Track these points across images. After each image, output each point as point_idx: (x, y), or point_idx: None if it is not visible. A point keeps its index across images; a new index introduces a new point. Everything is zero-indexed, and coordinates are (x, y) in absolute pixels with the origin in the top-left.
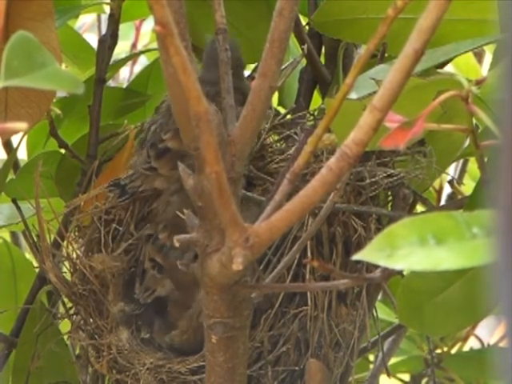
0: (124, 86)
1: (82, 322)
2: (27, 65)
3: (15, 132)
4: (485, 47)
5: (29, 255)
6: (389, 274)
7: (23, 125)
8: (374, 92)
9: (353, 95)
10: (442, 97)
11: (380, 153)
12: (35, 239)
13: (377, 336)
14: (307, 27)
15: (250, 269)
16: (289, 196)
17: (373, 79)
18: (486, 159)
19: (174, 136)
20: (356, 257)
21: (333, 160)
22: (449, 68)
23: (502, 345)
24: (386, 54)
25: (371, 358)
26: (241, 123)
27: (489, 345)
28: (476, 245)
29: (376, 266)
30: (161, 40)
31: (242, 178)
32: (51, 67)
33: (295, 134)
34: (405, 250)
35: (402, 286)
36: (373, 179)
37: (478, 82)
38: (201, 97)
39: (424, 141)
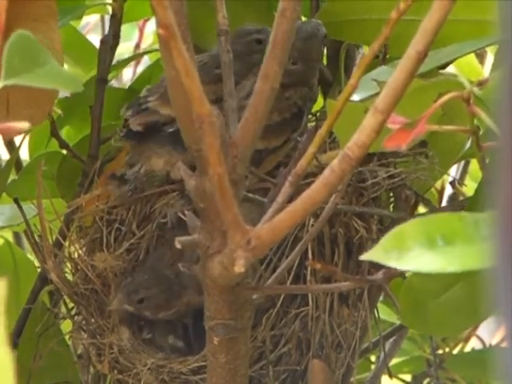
0: (127, 87)
1: (83, 321)
2: (27, 64)
3: (18, 132)
4: (486, 48)
5: (31, 256)
6: (391, 275)
7: (26, 124)
8: (376, 94)
9: (355, 97)
10: (444, 98)
11: (382, 154)
12: (37, 239)
13: (378, 337)
14: None
15: (251, 270)
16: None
17: (375, 80)
18: (487, 160)
19: (159, 98)
20: (364, 257)
21: (335, 162)
22: (451, 69)
23: (503, 345)
24: (388, 56)
25: (373, 358)
26: (242, 125)
27: (490, 345)
28: (485, 246)
29: (378, 268)
30: (163, 43)
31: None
32: (50, 66)
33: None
34: (414, 251)
35: (404, 286)
36: (374, 180)
37: (480, 84)
38: (203, 99)
39: (426, 142)
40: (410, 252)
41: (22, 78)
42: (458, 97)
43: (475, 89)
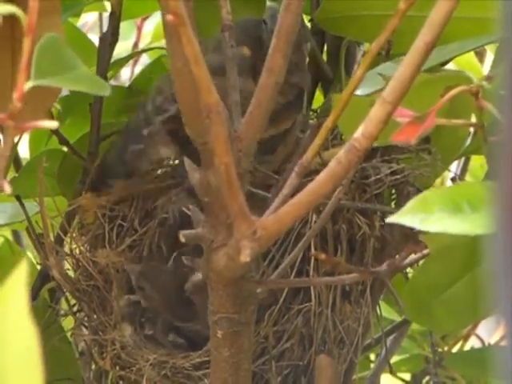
0: (126, 85)
1: (85, 318)
2: (56, 67)
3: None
4: (486, 47)
5: (30, 254)
6: (395, 268)
7: (54, 123)
8: (381, 89)
9: (359, 92)
10: (453, 92)
11: (385, 150)
12: (38, 236)
13: (380, 333)
14: (309, 24)
15: (255, 264)
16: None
17: (380, 75)
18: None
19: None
20: (390, 219)
21: (342, 153)
22: (450, 67)
23: (502, 344)
24: (391, 52)
25: (372, 357)
26: (247, 119)
27: (489, 344)
28: None
29: (381, 263)
30: (171, 31)
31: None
32: (80, 70)
33: None
34: (439, 214)
35: (408, 282)
36: (377, 176)
37: (488, 78)
38: (211, 88)
39: (429, 138)
40: (435, 214)
41: (51, 80)
42: (467, 91)
43: (484, 83)
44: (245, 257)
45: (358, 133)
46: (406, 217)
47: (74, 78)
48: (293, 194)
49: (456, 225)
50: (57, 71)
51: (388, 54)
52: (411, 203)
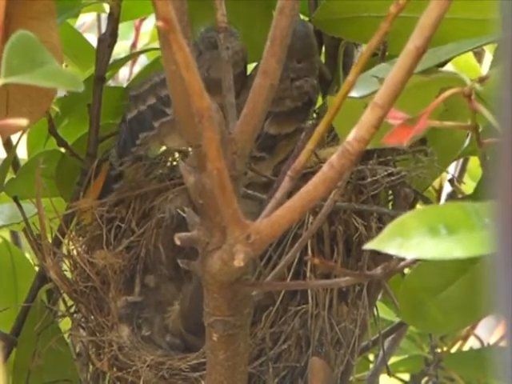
0: (124, 86)
1: (82, 319)
2: (27, 63)
3: (16, 129)
4: (484, 47)
5: (29, 254)
6: (390, 270)
7: (24, 121)
8: (376, 91)
9: (354, 94)
10: (446, 93)
11: (381, 152)
12: (36, 237)
13: (377, 335)
14: None
15: (251, 266)
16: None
17: (375, 77)
18: (488, 157)
19: None
20: (367, 246)
21: (334, 157)
22: (449, 67)
23: (501, 344)
24: (387, 53)
25: (371, 357)
26: (242, 121)
27: (489, 344)
28: (487, 234)
29: (377, 265)
30: (163, 36)
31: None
32: (51, 66)
33: None
34: (416, 239)
35: (403, 284)
36: (374, 178)
37: (481, 80)
38: (203, 93)
39: (425, 140)
40: (412, 240)
41: (22, 77)
42: (460, 93)
43: (476, 85)
44: (238, 262)
45: (351, 136)
46: (382, 243)
47: (45, 74)
48: (288, 197)
49: (433, 249)
50: (28, 68)
51: (384, 55)
52: (388, 228)
